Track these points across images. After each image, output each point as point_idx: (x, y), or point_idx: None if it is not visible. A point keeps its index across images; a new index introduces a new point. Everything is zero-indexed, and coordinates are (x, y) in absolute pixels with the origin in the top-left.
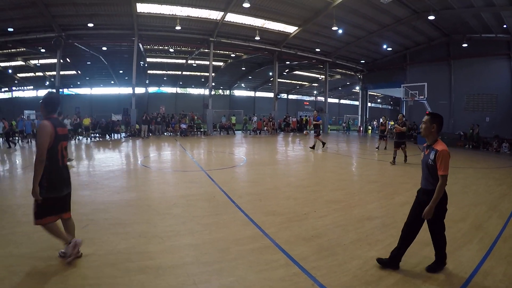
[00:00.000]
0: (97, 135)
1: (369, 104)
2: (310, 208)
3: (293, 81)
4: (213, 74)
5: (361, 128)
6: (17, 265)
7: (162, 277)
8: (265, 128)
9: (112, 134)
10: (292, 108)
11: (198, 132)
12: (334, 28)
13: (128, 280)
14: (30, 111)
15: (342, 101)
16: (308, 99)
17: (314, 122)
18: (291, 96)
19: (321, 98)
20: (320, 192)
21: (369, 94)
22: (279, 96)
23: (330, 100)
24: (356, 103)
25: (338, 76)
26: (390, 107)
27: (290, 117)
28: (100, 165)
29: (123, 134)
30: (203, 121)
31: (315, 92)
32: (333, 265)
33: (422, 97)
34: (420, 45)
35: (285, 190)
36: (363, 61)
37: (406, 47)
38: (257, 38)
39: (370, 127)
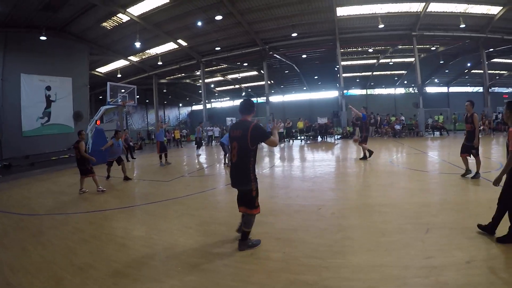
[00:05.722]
0: (310, 137)
1: None
2: None
3: (489, 71)
4: (405, 72)
5: None
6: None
7: None
8: (482, 127)
9: (325, 137)
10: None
11: (412, 133)
12: None
13: None
14: (231, 118)
15: None
16: (507, 91)
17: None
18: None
19: None
20: None
21: None
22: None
23: None
24: None
25: None
26: None
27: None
28: (350, 167)
29: (337, 136)
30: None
31: None
32: None
33: None
34: None
35: None
36: None
37: None
38: (462, 25)
39: None
